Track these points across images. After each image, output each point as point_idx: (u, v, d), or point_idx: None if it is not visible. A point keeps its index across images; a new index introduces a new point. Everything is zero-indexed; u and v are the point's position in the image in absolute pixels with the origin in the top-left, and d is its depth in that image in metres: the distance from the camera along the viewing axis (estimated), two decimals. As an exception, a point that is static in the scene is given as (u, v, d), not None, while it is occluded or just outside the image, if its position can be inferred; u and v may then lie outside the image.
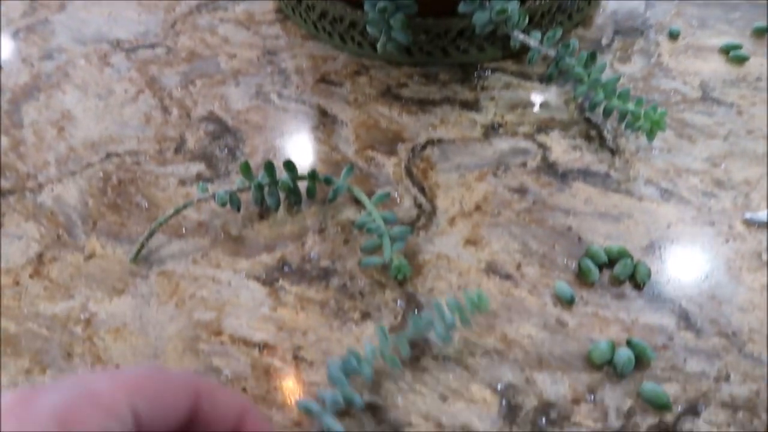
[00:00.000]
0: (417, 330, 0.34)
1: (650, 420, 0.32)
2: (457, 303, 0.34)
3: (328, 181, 0.41)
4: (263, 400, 0.33)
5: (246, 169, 0.40)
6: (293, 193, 0.41)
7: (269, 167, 0.40)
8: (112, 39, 0.56)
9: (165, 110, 0.49)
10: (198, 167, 0.45)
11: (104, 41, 0.56)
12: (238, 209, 0.41)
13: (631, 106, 0.44)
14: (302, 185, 0.42)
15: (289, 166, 0.40)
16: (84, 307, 0.38)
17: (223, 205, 0.40)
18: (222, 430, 0.27)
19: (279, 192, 0.41)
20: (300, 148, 0.46)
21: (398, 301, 0.37)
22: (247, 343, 0.36)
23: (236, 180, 0.41)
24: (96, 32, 0.57)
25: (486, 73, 0.51)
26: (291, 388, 0.34)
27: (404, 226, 0.39)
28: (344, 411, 0.33)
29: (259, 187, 0.40)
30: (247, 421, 0.27)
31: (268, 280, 0.39)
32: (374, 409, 0.33)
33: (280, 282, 0.38)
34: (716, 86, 0.49)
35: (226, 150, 0.46)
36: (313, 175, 0.41)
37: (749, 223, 0.40)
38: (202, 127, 0.48)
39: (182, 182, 0.44)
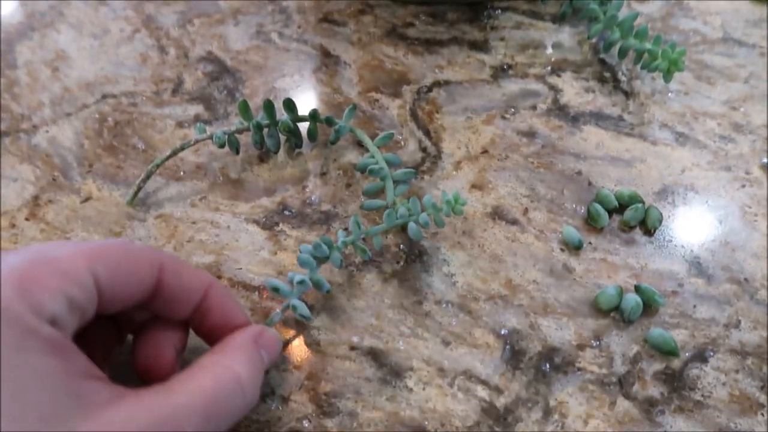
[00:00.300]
0: (390, 222, 0.33)
1: (656, 366, 0.32)
2: (433, 202, 0.33)
3: (329, 122, 0.40)
4: (263, 342, 0.33)
5: (244, 109, 0.38)
6: (293, 134, 0.40)
7: (268, 107, 0.38)
8: (106, -24, 0.54)
9: (162, 50, 0.48)
10: (196, 109, 0.44)
11: (99, -21, 0.54)
12: (237, 151, 0.40)
13: (648, 45, 0.41)
14: (303, 127, 0.40)
15: (289, 105, 0.39)
16: (81, 249, 0.37)
17: (221, 146, 0.38)
18: (186, 305, 0.27)
19: (279, 133, 0.40)
20: (301, 90, 0.44)
21: (401, 246, 0.36)
22: (246, 286, 0.35)
23: (235, 121, 0.40)
24: (90, -31, 0.55)
25: (496, 13, 0.49)
26: (290, 330, 0.34)
27: (408, 169, 0.38)
28: (344, 354, 0.32)
29: (258, 128, 0.39)
30: (212, 295, 0.28)
31: (268, 224, 0.38)
32: (375, 353, 0.33)
33: (280, 226, 0.37)
34: (738, 26, 0.47)
35: (225, 91, 0.45)
36: (314, 116, 0.39)
37: (767, 169, 0.39)
38: (201, 68, 0.46)
39: (180, 124, 0.43)
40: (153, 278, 0.26)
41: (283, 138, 0.41)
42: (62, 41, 0.49)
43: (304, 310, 0.32)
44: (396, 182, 0.37)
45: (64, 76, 0.46)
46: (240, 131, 0.39)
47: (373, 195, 0.38)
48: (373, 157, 0.38)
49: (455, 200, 0.32)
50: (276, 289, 0.32)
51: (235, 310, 0.29)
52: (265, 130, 0.39)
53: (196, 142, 0.39)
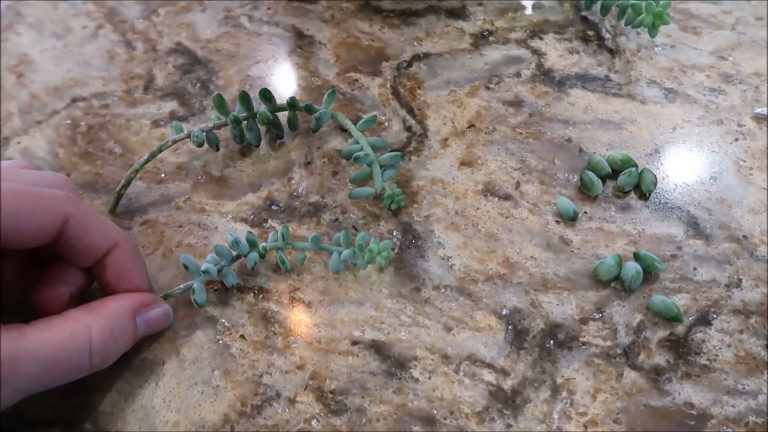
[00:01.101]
0: (315, 245, 0.34)
1: (661, 333, 0.32)
2: (360, 244, 0.33)
3: (309, 110, 0.38)
4: (263, 345, 0.33)
5: (220, 103, 0.37)
6: (273, 125, 0.38)
7: (244, 98, 0.37)
8: (61, -31, 0.51)
9: (129, 45, 0.46)
10: (170, 105, 0.42)
11: (53, -27, 0.51)
12: (217, 148, 0.38)
13: (631, -1, 0.40)
14: (283, 116, 0.39)
15: (266, 95, 0.37)
16: (68, 264, 0.36)
17: (200, 145, 0.37)
18: (86, 257, 0.29)
19: (258, 125, 0.38)
20: (277, 76, 0.43)
21: (394, 232, 0.36)
22: (241, 288, 0.34)
23: (212, 116, 0.38)
24: (43, -37, 0.52)
25: (471, -24, 0.47)
26: (290, 330, 0.33)
27: (395, 153, 0.37)
28: (347, 350, 0.32)
29: (236, 122, 0.37)
30: (115, 254, 0.30)
31: (257, 221, 0.37)
32: (377, 346, 0.32)
33: (269, 222, 0.37)
34: (722, -31, 0.45)
35: (198, 84, 0.43)
36: (292, 104, 0.38)
37: (759, 119, 0.38)
38: (171, 61, 0.44)
39: (155, 123, 0.41)
40: (54, 228, 0.27)
41: (263, 129, 0.39)
42: (23, 44, 0.47)
43: (200, 296, 0.33)
44: (383, 167, 0.36)
45: (30, 82, 0.44)
46: (218, 127, 0.38)
47: (361, 182, 0.37)
48: (357, 142, 0.37)
49: (379, 251, 0.32)
50: (186, 267, 0.33)
51: (133, 273, 0.31)
52: (244, 123, 0.38)
53: (174, 142, 0.37)
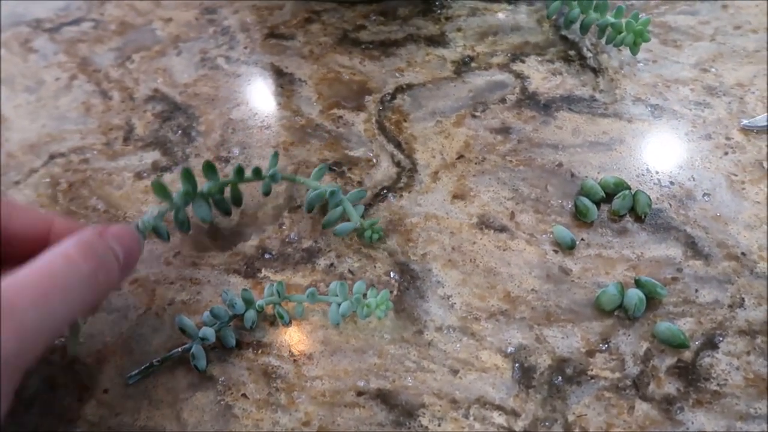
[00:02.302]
0: (313, 299, 0.33)
1: (668, 360, 0.31)
2: (357, 297, 0.32)
3: (257, 174, 0.36)
4: (266, 403, 0.32)
5: (160, 189, 0.34)
6: (220, 206, 0.36)
7: (187, 177, 0.34)
8: (30, 19, 0.50)
9: (104, 95, 0.45)
10: (152, 155, 0.41)
11: (22, 23, 0.50)
12: (187, 228, 0.36)
13: (610, 17, 0.40)
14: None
15: (209, 169, 0.35)
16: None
17: (161, 236, 0.34)
18: (27, 246, 0.28)
19: (207, 205, 0.36)
20: (259, 118, 0.42)
21: (391, 273, 0.35)
22: (239, 344, 0.34)
23: (148, 210, 0.34)
24: (10, 14, 0.51)
25: (448, 1, 0.46)
26: (293, 384, 0.32)
27: (358, 189, 0.37)
28: (352, 401, 0.31)
29: (180, 207, 0.35)
30: (56, 229, 0.29)
31: (250, 272, 0.36)
32: (383, 395, 0.31)
33: (263, 272, 0.36)
34: (697, -21, 0.45)
35: (179, 131, 0.42)
36: (239, 173, 0.35)
37: (747, 130, 0.38)
38: (149, 109, 0.43)
39: (138, 175, 0.40)
40: None
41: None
42: (-5, 101, 0.45)
43: (201, 362, 0.32)
44: (354, 204, 0.36)
45: (5, 140, 0.43)
46: (162, 215, 0.34)
47: (335, 222, 0.36)
48: (317, 190, 0.36)
49: (378, 305, 0.32)
50: (183, 330, 0.32)
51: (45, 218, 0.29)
52: (191, 204, 0.35)
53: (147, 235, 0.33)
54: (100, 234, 0.28)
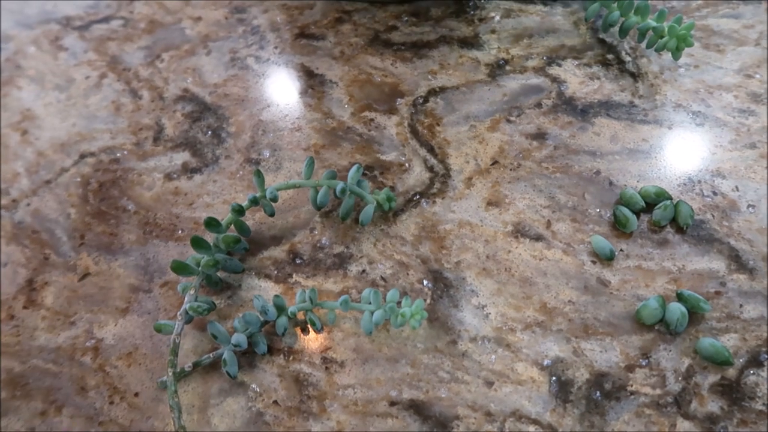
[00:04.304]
0: (345, 307, 0.32)
1: (711, 378, 0.30)
2: (392, 305, 0.32)
3: (253, 202, 0.35)
4: (298, 410, 0.31)
5: (181, 268, 0.33)
6: (226, 267, 0.35)
7: (197, 243, 0.33)
8: (60, 17, 0.50)
9: (134, 94, 0.44)
10: (182, 156, 0.41)
11: (52, 21, 0.50)
12: (217, 285, 0.35)
13: (652, 21, 0.39)
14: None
15: (210, 224, 0.34)
16: (89, 333, 0.35)
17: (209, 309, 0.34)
18: None
19: (224, 255, 0.35)
20: (290, 119, 0.42)
21: (424, 281, 0.34)
22: (270, 350, 0.33)
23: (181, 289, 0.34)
24: (40, 11, 0.51)
25: (482, 2, 0.45)
26: (325, 392, 0.32)
27: (361, 180, 0.36)
28: (384, 412, 0.31)
29: (209, 273, 0.34)
30: None
31: (281, 277, 0.35)
32: (416, 406, 0.31)
33: (294, 277, 0.35)
34: (740, -19, 0.44)
35: (209, 132, 0.42)
36: (238, 211, 0.35)
37: (793, 139, 0.37)
38: (179, 109, 0.43)
39: (168, 176, 0.40)
40: None
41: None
42: (25, 99, 0.45)
43: (232, 368, 0.32)
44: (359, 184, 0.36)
45: (35, 139, 0.43)
46: (197, 285, 0.33)
47: (349, 213, 0.36)
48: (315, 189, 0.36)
49: (412, 314, 0.31)
50: (215, 336, 0.32)
51: None
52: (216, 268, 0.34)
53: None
54: None
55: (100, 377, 0.33)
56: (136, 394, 0.33)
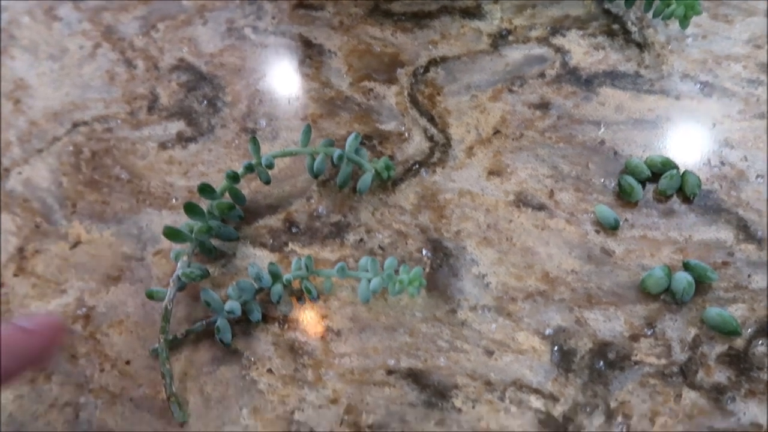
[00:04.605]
0: (342, 274, 0.31)
1: (719, 348, 0.29)
2: (390, 273, 0.31)
3: (248, 169, 0.34)
4: (292, 379, 0.30)
5: (173, 234, 0.32)
6: (221, 234, 0.34)
7: (190, 209, 0.33)
8: (54, -13, 0.49)
9: (129, 64, 0.43)
10: (177, 126, 0.40)
11: (46, -9, 0.49)
12: (211, 253, 0.34)
13: (658, -11, 0.38)
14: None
15: (205, 191, 0.33)
16: (80, 301, 0.34)
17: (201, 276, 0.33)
18: None
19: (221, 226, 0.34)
20: (287, 89, 0.41)
21: (423, 251, 0.34)
22: (264, 318, 0.32)
23: (174, 253, 0.33)
24: (35, -18, 0.50)
25: (485, -28, 0.44)
26: (320, 361, 0.31)
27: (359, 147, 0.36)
28: (382, 380, 0.30)
29: (202, 244, 0.33)
30: None
31: (276, 246, 0.35)
32: (414, 375, 0.30)
33: (290, 246, 0.34)
34: (749, -48, 0.43)
35: (205, 102, 0.41)
36: (233, 177, 0.34)
37: (803, 110, 0.36)
38: (174, 79, 0.42)
39: (163, 145, 0.39)
40: None
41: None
42: (18, 68, 0.44)
43: (226, 335, 0.31)
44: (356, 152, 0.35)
45: (28, 108, 0.42)
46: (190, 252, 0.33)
47: (347, 181, 0.35)
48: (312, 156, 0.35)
49: (410, 281, 0.30)
50: (208, 304, 0.31)
51: None
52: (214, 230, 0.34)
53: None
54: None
55: (91, 345, 0.33)
56: (128, 362, 0.32)
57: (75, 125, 0.41)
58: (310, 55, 0.42)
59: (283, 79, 0.41)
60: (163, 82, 0.42)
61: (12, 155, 0.40)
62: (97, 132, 0.40)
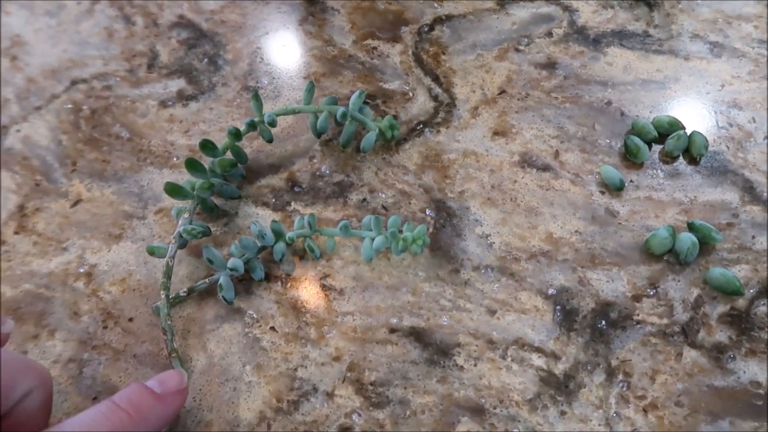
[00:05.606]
0: (346, 233, 0.31)
1: (720, 308, 0.30)
2: (393, 231, 0.31)
3: (251, 126, 0.34)
4: (295, 337, 0.31)
5: (174, 190, 0.32)
6: (222, 192, 0.34)
7: (192, 165, 0.32)
8: (50, -59, 0.48)
9: (128, 20, 0.43)
10: (177, 83, 0.39)
11: (41, -55, 0.48)
12: (213, 210, 0.34)
13: (670, -54, 0.37)
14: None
15: (206, 146, 0.32)
16: (81, 259, 0.34)
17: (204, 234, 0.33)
18: None
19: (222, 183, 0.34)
20: (289, 47, 0.40)
21: (427, 211, 0.33)
22: (267, 277, 0.32)
23: (175, 209, 0.33)
24: (30, -65, 0.49)
25: (492, -72, 0.43)
26: (323, 319, 0.31)
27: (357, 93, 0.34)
28: (384, 338, 0.30)
29: (203, 201, 0.33)
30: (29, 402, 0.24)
31: (279, 205, 0.34)
32: (417, 333, 0.30)
33: (293, 205, 0.34)
34: None
35: (205, 59, 0.40)
36: (235, 134, 0.33)
37: (813, 71, 0.35)
38: (174, 36, 0.41)
39: (163, 103, 0.39)
40: None
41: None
42: (15, 24, 0.44)
43: (229, 293, 0.31)
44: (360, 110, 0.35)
45: (25, 65, 0.41)
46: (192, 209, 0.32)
47: (350, 140, 0.35)
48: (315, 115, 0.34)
49: (414, 239, 0.29)
50: (210, 261, 0.31)
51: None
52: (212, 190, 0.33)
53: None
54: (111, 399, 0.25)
55: (94, 302, 0.33)
56: (131, 319, 0.32)
57: (74, 83, 0.40)
58: (313, 12, 0.41)
59: (285, 37, 0.40)
60: (162, 39, 0.41)
61: (10, 113, 0.39)
62: (96, 90, 0.40)
